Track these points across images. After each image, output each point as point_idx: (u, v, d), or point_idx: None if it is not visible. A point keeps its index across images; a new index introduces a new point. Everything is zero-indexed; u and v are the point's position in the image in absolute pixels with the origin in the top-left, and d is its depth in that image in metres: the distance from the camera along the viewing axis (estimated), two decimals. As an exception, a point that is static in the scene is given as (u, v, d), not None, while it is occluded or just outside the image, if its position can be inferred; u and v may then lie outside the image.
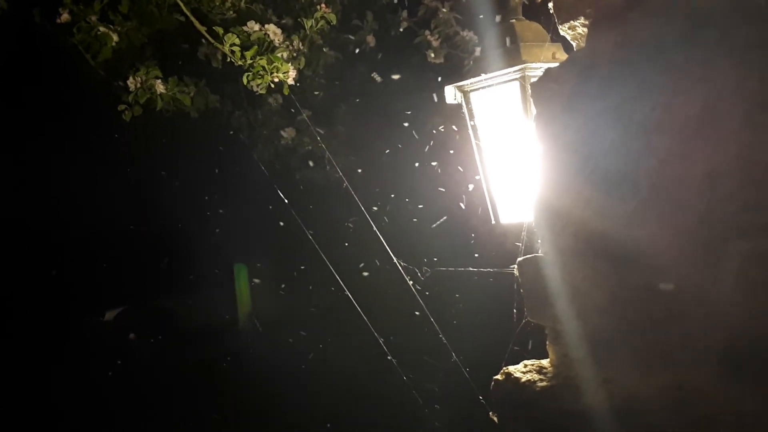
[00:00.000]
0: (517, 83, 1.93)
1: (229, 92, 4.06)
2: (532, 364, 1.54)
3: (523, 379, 1.52)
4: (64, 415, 4.88)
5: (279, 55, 2.89)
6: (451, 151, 3.85)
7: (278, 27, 2.96)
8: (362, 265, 4.16)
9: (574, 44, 1.55)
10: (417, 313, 3.15)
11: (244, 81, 2.89)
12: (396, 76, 4.06)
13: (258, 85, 2.88)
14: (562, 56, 1.89)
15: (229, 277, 6.51)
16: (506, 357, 1.79)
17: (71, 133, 4.83)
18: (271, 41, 2.89)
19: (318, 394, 4.94)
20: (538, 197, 1.45)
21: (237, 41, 2.83)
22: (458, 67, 3.51)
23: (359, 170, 4.35)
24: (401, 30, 3.83)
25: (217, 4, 3.10)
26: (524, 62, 1.90)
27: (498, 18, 2.08)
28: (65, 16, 2.80)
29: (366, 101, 4.40)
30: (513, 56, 1.93)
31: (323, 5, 3.22)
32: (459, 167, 3.57)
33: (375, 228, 3.10)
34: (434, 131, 4.14)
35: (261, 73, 2.84)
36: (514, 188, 2.02)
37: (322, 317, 5.18)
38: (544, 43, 1.93)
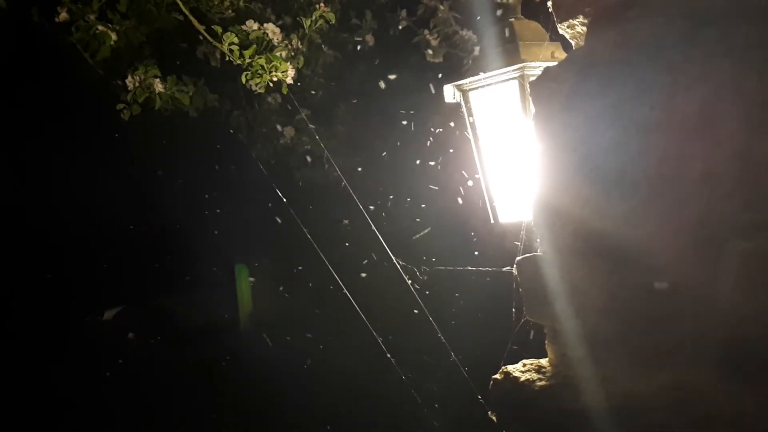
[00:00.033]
0: (515, 82, 1.93)
1: (228, 91, 4.05)
2: (531, 364, 1.54)
3: (521, 379, 1.52)
4: (64, 415, 4.88)
5: (278, 54, 2.88)
6: (450, 151, 3.85)
7: (277, 26, 2.95)
8: (361, 264, 4.16)
9: (573, 43, 1.55)
10: (415, 311, 3.15)
11: (243, 80, 2.89)
12: (395, 76, 4.06)
13: (257, 84, 2.88)
14: (561, 55, 1.89)
15: (228, 276, 6.51)
16: (505, 356, 1.79)
17: (70, 133, 4.82)
18: (270, 40, 2.89)
19: (318, 394, 4.94)
20: (537, 196, 1.45)
21: (236, 40, 2.82)
22: (457, 67, 3.50)
23: (358, 169, 4.36)
24: (400, 29, 3.83)
25: (216, 3, 3.10)
26: (523, 61, 1.90)
27: (497, 17, 2.08)
28: (63, 15, 2.79)
29: (365, 100, 4.40)
30: (512, 55, 1.93)
31: (322, 4, 3.22)
32: (458, 166, 3.57)
33: (374, 227, 3.10)
34: (433, 130, 4.14)
35: (260, 72, 2.83)
36: (513, 187, 2.02)
37: (322, 317, 5.18)
38: (543, 42, 1.93)
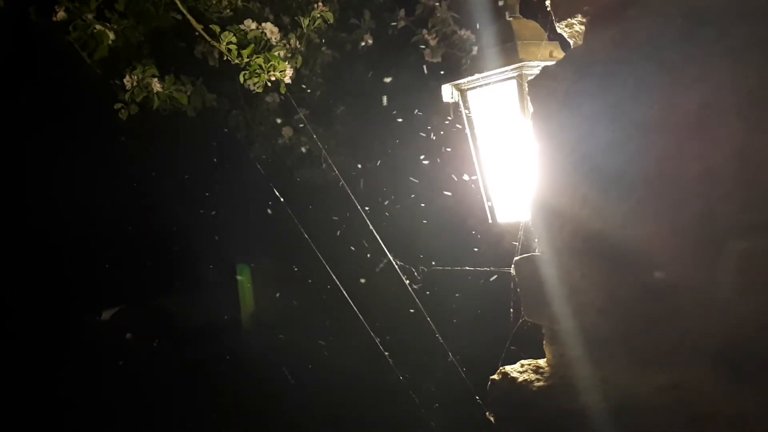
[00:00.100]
0: (514, 81, 1.93)
1: (227, 91, 4.05)
2: (529, 364, 1.54)
3: (519, 379, 1.51)
4: (64, 415, 4.88)
5: (276, 53, 2.88)
6: (449, 150, 3.85)
7: (275, 25, 2.95)
8: (360, 264, 4.16)
9: (571, 42, 1.55)
10: (414, 311, 3.15)
11: (241, 79, 2.89)
12: (393, 75, 4.06)
13: (255, 84, 2.88)
14: (560, 54, 1.89)
15: (228, 276, 6.51)
16: (503, 356, 1.79)
17: (69, 132, 4.82)
18: (268, 40, 2.89)
19: (317, 394, 4.94)
20: (535, 196, 1.45)
21: (234, 39, 2.82)
22: (456, 66, 3.50)
23: (358, 167, 4.35)
24: (398, 29, 3.83)
25: (214, 2, 3.10)
26: (521, 60, 1.90)
27: (495, 16, 2.07)
28: (61, 14, 2.79)
29: (363, 100, 4.40)
30: (510, 54, 1.93)
31: (320, 4, 3.22)
32: (456, 166, 3.56)
33: (372, 228, 3.10)
34: (431, 130, 4.14)
35: (258, 71, 2.83)
36: (511, 187, 2.02)
37: (321, 317, 5.18)
38: (542, 41, 1.92)
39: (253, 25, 2.88)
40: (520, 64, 1.90)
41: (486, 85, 2.00)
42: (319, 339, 5.21)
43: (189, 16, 2.93)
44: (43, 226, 5.20)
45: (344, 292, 3.32)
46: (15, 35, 3.78)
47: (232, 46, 2.82)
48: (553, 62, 1.48)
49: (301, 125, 4.19)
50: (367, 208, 3.22)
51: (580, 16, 1.43)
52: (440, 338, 3.06)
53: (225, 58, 2.91)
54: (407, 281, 3.05)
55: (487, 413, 1.63)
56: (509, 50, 1.93)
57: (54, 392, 5.05)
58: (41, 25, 3.01)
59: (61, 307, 5.48)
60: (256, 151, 4.41)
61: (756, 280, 1.03)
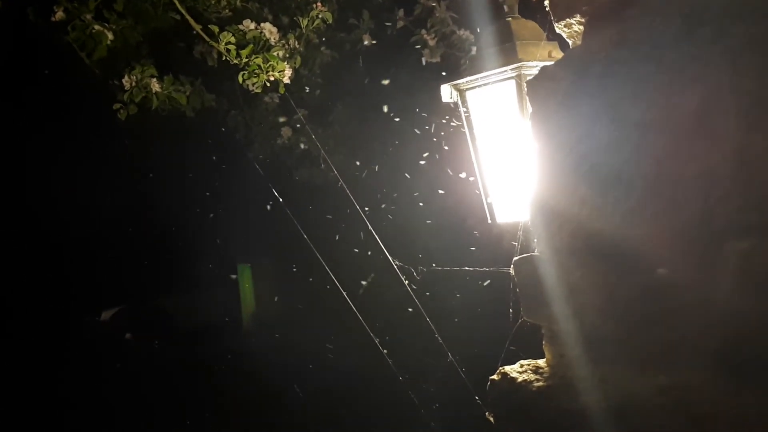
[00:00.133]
0: (513, 82, 1.92)
1: (226, 91, 4.05)
2: (528, 364, 1.54)
3: (519, 379, 1.51)
4: (64, 415, 4.88)
5: (275, 53, 2.88)
6: (448, 150, 3.85)
7: (274, 25, 2.94)
8: (360, 265, 4.16)
9: (570, 42, 1.54)
10: (413, 311, 3.14)
11: (240, 80, 2.88)
12: (392, 76, 4.05)
13: (254, 84, 2.87)
14: (558, 54, 1.89)
15: (228, 276, 6.52)
16: (502, 357, 1.79)
17: (68, 133, 4.82)
18: (267, 40, 2.88)
19: (317, 393, 4.94)
20: (534, 196, 1.44)
21: (233, 40, 2.81)
22: (455, 66, 3.50)
23: (357, 167, 4.35)
24: (397, 29, 3.82)
25: (213, 2, 3.09)
26: (520, 60, 1.89)
27: (494, 16, 2.07)
28: (60, 14, 2.78)
29: (362, 100, 4.40)
30: (509, 55, 1.93)
31: (319, 4, 3.21)
32: (455, 166, 3.56)
33: (371, 228, 3.09)
34: (430, 130, 4.14)
35: (257, 71, 2.83)
36: (510, 187, 2.01)
37: (320, 317, 5.18)
38: (540, 41, 1.92)
39: (252, 26, 2.87)
40: (518, 64, 1.89)
41: (485, 85, 2.00)
42: (318, 339, 5.22)
43: (188, 17, 2.93)
44: (43, 226, 5.20)
45: (343, 293, 3.32)
46: (14, 35, 3.78)
47: (231, 47, 2.82)
48: (552, 62, 1.47)
49: (297, 125, 4.19)
50: (366, 209, 3.22)
51: (578, 16, 1.43)
52: (440, 338, 3.06)
53: (224, 58, 2.90)
54: (406, 281, 3.04)
55: (486, 413, 1.63)
56: (508, 50, 1.93)
57: (54, 392, 5.05)
58: (40, 26, 3.01)
59: (61, 307, 5.48)
60: (255, 151, 4.41)
61: (755, 280, 1.03)
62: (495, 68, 1.94)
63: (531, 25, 2.01)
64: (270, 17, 3.46)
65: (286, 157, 4.43)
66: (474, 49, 3.43)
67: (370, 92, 4.29)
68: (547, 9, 1.54)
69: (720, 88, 1.06)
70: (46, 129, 4.79)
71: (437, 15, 3.61)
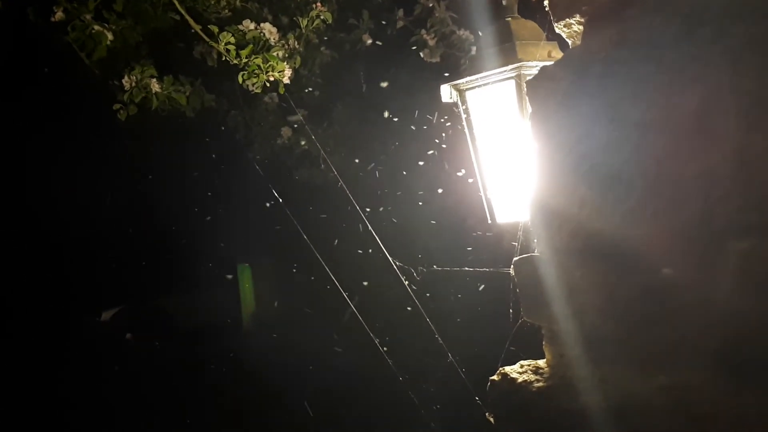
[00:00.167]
0: (512, 82, 1.92)
1: (225, 91, 4.05)
2: (529, 365, 1.54)
3: (519, 380, 1.51)
4: (64, 415, 4.88)
5: (275, 54, 2.88)
6: (447, 150, 3.85)
7: (274, 26, 2.94)
8: (360, 265, 4.16)
9: (569, 42, 1.54)
10: (413, 312, 3.14)
11: (240, 80, 2.88)
12: (392, 76, 4.05)
13: (253, 84, 2.87)
14: (558, 54, 1.89)
15: (228, 276, 6.52)
16: (502, 357, 1.79)
17: (68, 132, 4.82)
18: (267, 40, 2.88)
19: (317, 393, 4.94)
20: (533, 196, 1.44)
21: (232, 40, 2.81)
22: (454, 66, 3.50)
23: (357, 167, 4.35)
24: (397, 29, 3.82)
25: (212, 2, 3.10)
26: (520, 61, 1.89)
27: (494, 16, 2.07)
28: (59, 15, 2.79)
29: (362, 100, 4.40)
30: (508, 55, 1.93)
31: (319, 4, 3.21)
32: (455, 166, 3.56)
33: (371, 228, 3.09)
34: (430, 130, 4.14)
35: (256, 72, 2.83)
36: (510, 187, 2.01)
37: (320, 317, 5.18)
38: (540, 41, 1.92)
39: (252, 26, 2.87)
40: (518, 65, 1.89)
41: (485, 85, 2.00)
42: (318, 339, 5.22)
43: (187, 17, 2.93)
44: (44, 226, 5.20)
45: (343, 293, 3.32)
46: (14, 36, 3.78)
47: (231, 47, 2.82)
48: (552, 62, 1.47)
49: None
50: (366, 209, 3.22)
51: (578, 16, 1.42)
52: (440, 339, 3.06)
53: (223, 58, 2.90)
54: (406, 282, 3.04)
55: (486, 414, 1.63)
56: (508, 50, 1.93)
57: (54, 392, 5.05)
58: (40, 26, 3.01)
59: (61, 307, 5.48)
60: (255, 151, 4.41)
61: (755, 280, 1.03)
62: (495, 68, 1.94)
63: (530, 25, 2.01)
64: (270, 17, 3.46)
65: (286, 157, 4.43)
66: (474, 49, 3.43)
67: (370, 92, 4.29)
68: (546, 9, 1.54)
69: (720, 88, 1.06)
70: (46, 129, 4.79)
71: (437, 15, 3.62)
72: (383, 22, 3.95)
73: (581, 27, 1.44)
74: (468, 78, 2.01)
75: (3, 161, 4.70)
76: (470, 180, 2.17)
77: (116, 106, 2.97)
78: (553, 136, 1.38)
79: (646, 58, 1.18)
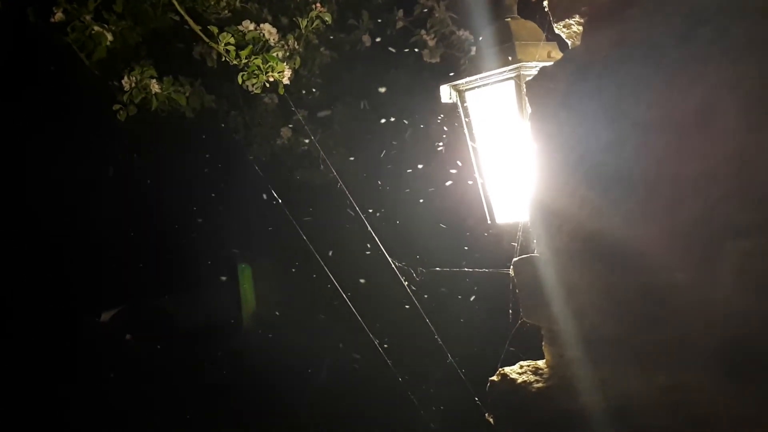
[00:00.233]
0: (512, 82, 1.92)
1: (225, 92, 4.05)
2: (528, 365, 1.54)
3: (519, 380, 1.51)
4: (64, 415, 4.88)
5: (274, 54, 2.88)
6: (447, 150, 3.85)
7: (273, 26, 2.94)
8: (360, 265, 4.16)
9: (569, 43, 1.54)
10: (413, 312, 3.14)
11: (239, 80, 2.88)
12: (392, 76, 4.05)
13: (253, 85, 2.87)
14: (558, 55, 1.88)
15: (228, 276, 6.51)
16: (502, 358, 1.79)
17: (68, 133, 4.82)
18: (267, 40, 2.88)
19: (317, 393, 4.94)
20: (533, 197, 1.44)
21: (232, 40, 2.81)
22: (454, 67, 3.50)
23: (356, 169, 4.35)
24: (397, 29, 3.82)
25: (212, 3, 3.09)
26: (519, 61, 1.89)
27: (493, 17, 2.07)
28: (59, 15, 2.78)
29: (362, 101, 4.40)
30: (508, 55, 1.92)
31: (318, 4, 3.21)
32: (455, 167, 3.56)
33: (370, 228, 3.09)
34: (429, 130, 4.14)
35: (256, 72, 2.83)
36: (510, 188, 2.01)
37: (320, 317, 5.18)
38: (540, 41, 1.92)
39: (252, 26, 2.87)
40: (518, 65, 1.89)
41: (484, 85, 2.00)
42: (319, 339, 5.21)
43: (187, 17, 2.93)
44: (43, 226, 5.20)
45: (343, 293, 3.32)
46: (14, 36, 3.78)
47: (231, 47, 2.82)
48: (551, 63, 1.47)
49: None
50: (366, 209, 3.22)
51: (577, 16, 1.42)
52: (439, 339, 3.06)
53: (223, 59, 2.90)
54: (406, 282, 3.04)
55: (486, 414, 1.63)
56: (507, 51, 1.93)
57: (54, 392, 5.05)
58: (40, 27, 3.01)
59: (61, 307, 5.48)
60: (254, 151, 4.41)
61: (755, 280, 1.02)
62: (494, 69, 1.94)
63: (530, 25, 2.00)
64: (269, 18, 3.46)
65: (286, 158, 4.43)
66: (473, 49, 3.43)
67: (370, 92, 4.29)
68: (546, 9, 1.54)
69: (720, 88, 1.06)
70: (46, 129, 4.79)
71: (437, 15, 3.62)
72: (379, 20, 3.95)
73: (581, 27, 1.44)
74: (467, 78, 2.01)
75: (3, 161, 4.70)
76: (470, 182, 2.16)
77: (116, 107, 2.97)
78: (552, 137, 1.38)
79: (646, 58, 1.18)
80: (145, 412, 4.98)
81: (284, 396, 5.03)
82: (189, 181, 5.33)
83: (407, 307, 3.23)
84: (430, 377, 4.07)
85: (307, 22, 3.25)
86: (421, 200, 4.33)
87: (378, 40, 3.99)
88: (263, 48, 2.89)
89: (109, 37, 2.86)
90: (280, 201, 3.65)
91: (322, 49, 3.96)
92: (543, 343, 1.52)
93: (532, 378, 1.49)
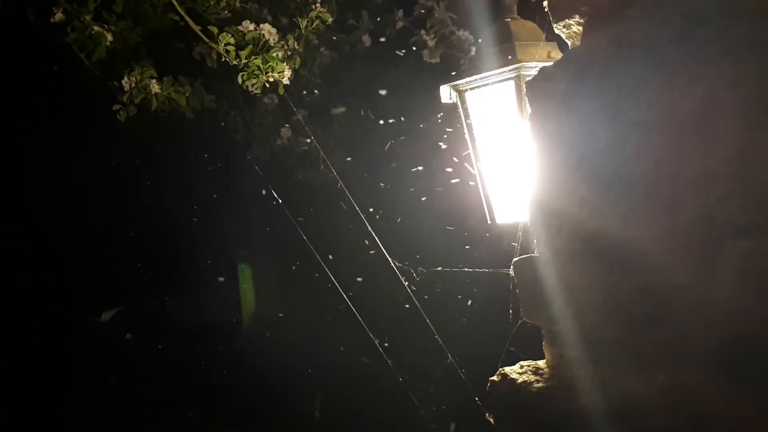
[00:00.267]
0: (512, 82, 1.92)
1: (225, 92, 4.05)
2: (528, 365, 1.54)
3: (519, 380, 1.51)
4: (65, 415, 4.88)
5: (274, 54, 2.88)
6: (447, 150, 3.85)
7: (273, 26, 2.94)
8: (360, 266, 4.16)
9: (569, 43, 1.54)
10: (413, 312, 3.14)
11: (239, 81, 2.88)
12: (392, 76, 4.05)
13: (253, 85, 2.87)
14: (557, 55, 1.89)
15: (228, 276, 6.51)
16: (502, 358, 1.79)
17: (68, 133, 4.82)
18: (266, 41, 2.88)
19: (317, 393, 4.94)
20: (533, 197, 1.44)
21: (232, 41, 2.81)
22: (454, 67, 3.50)
23: (356, 169, 4.35)
24: (397, 30, 3.83)
25: (212, 3, 3.10)
26: (519, 61, 1.89)
27: (493, 17, 2.07)
28: (59, 15, 2.79)
29: (362, 101, 4.40)
30: (508, 55, 1.92)
31: (318, 5, 3.21)
32: (455, 167, 3.56)
33: (370, 228, 3.10)
34: (429, 130, 4.14)
35: (256, 72, 2.83)
36: (510, 188, 2.01)
37: (320, 318, 5.17)
38: (540, 42, 1.92)
39: (251, 26, 2.87)
40: (517, 65, 1.89)
41: (484, 86, 2.00)
42: (319, 339, 5.21)
43: (187, 18, 2.93)
44: (43, 226, 5.20)
45: (343, 293, 3.32)
46: (14, 36, 3.78)
47: (231, 47, 2.82)
48: (551, 63, 1.47)
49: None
50: (366, 209, 3.22)
51: (577, 16, 1.42)
52: (439, 339, 3.06)
53: (223, 59, 2.90)
54: (406, 282, 3.05)
55: (486, 414, 1.63)
56: (507, 51, 1.93)
57: (54, 392, 5.05)
58: (40, 27, 3.01)
59: (61, 307, 5.47)
60: (254, 151, 4.41)
61: (755, 280, 1.02)
62: (494, 69, 1.94)
63: (530, 25, 2.01)
64: (269, 18, 3.46)
65: (286, 158, 4.43)
66: (473, 49, 3.43)
67: (370, 93, 4.29)
68: (546, 9, 1.54)
69: (720, 88, 1.06)
70: (46, 129, 4.79)
71: (436, 15, 3.62)
72: (384, 24, 3.95)
73: (580, 27, 1.44)
74: (467, 78, 2.01)
75: (3, 161, 4.69)
76: (471, 181, 2.17)
77: (116, 107, 2.97)
78: (552, 137, 1.38)
79: (646, 58, 1.18)
80: (145, 412, 4.98)
81: (284, 396, 5.03)
82: (189, 182, 5.33)
83: (407, 306, 3.23)
84: (430, 377, 4.07)
85: (307, 22, 3.25)
86: (422, 200, 4.33)
87: (378, 40, 3.99)
88: (263, 48, 2.89)
89: (109, 37, 2.86)
90: (280, 201, 3.65)
91: (322, 49, 3.96)
92: (543, 343, 1.52)
93: (532, 378, 1.49)
